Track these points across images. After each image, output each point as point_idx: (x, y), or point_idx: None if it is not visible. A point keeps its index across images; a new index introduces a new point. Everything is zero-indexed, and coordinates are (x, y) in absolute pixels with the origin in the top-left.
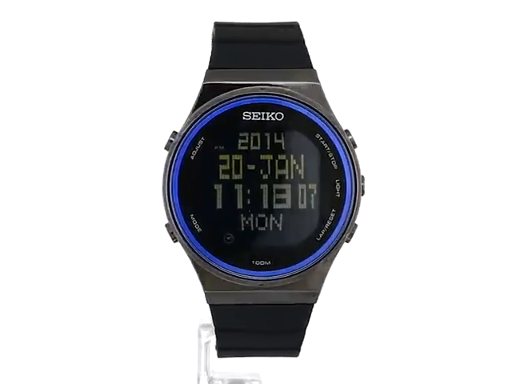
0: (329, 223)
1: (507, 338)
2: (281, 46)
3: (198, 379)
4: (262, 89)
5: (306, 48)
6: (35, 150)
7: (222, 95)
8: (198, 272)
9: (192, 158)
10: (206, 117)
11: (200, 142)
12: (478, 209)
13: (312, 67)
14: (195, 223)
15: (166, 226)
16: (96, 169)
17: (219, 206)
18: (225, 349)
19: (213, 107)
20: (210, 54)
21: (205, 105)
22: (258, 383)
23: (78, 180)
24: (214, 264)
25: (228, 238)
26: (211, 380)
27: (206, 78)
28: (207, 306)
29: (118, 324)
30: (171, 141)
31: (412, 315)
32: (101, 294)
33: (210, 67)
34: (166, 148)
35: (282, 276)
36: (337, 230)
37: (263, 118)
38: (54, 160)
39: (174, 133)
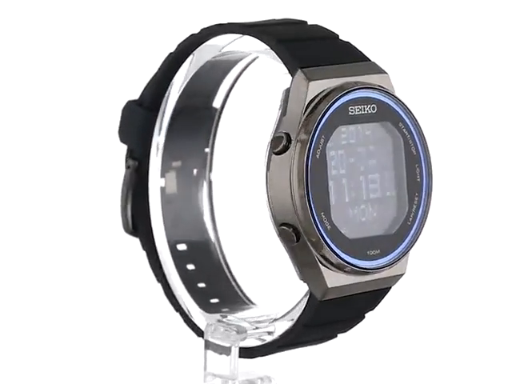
0: (415, 207)
1: None
2: (326, 42)
3: None
4: (356, 83)
5: (350, 43)
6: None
7: (334, 92)
8: (318, 271)
9: (317, 156)
10: (324, 115)
11: (321, 141)
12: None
13: (370, 60)
14: (325, 221)
15: (286, 225)
16: None
17: (332, 201)
18: (285, 346)
19: (330, 105)
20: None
21: (322, 103)
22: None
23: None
24: (345, 259)
25: (343, 232)
26: (225, 381)
27: (308, 77)
28: None
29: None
30: (287, 146)
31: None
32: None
33: (301, 66)
34: (280, 152)
35: (388, 262)
36: (420, 213)
37: (362, 112)
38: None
39: (287, 135)
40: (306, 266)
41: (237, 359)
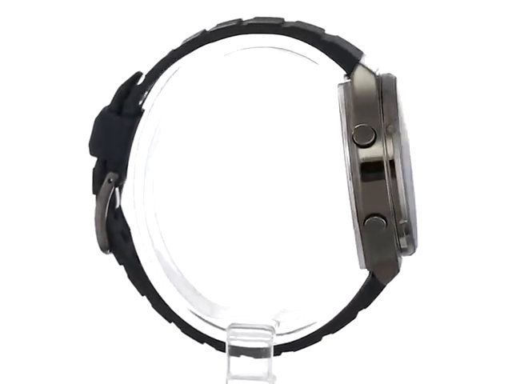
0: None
1: None
2: (336, 37)
3: None
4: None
5: (339, 36)
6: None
7: (387, 82)
8: (394, 256)
9: (402, 144)
10: (396, 105)
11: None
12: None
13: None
14: (408, 207)
15: (373, 216)
16: None
17: (406, 188)
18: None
19: (394, 95)
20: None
21: (388, 95)
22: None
23: None
24: (414, 241)
25: (410, 217)
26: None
27: (372, 71)
28: None
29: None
30: (369, 143)
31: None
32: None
33: (358, 61)
34: (370, 145)
35: (416, 246)
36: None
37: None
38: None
39: (364, 128)
40: (382, 253)
41: (272, 358)
